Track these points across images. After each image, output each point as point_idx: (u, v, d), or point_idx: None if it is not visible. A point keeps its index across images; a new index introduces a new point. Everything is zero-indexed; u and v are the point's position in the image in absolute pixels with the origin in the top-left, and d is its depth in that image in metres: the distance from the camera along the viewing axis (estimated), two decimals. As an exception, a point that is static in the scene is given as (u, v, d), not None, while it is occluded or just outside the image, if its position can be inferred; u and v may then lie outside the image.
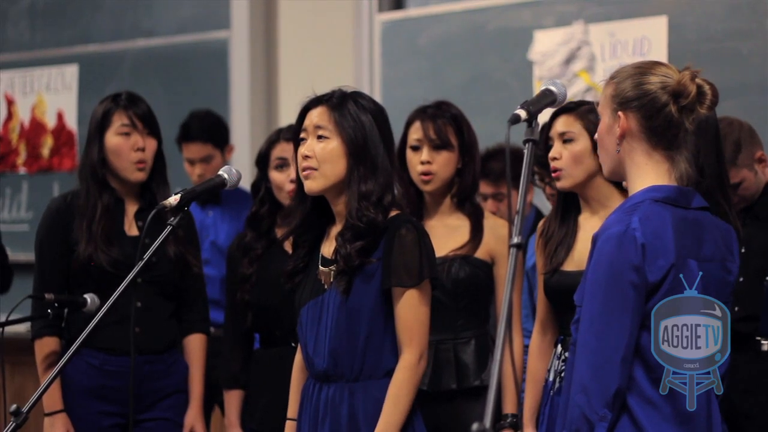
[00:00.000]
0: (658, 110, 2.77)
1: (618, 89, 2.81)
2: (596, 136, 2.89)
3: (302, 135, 3.22)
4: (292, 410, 3.36)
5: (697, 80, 2.78)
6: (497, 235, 3.93)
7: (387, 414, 3.11)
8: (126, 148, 3.99)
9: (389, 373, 3.17)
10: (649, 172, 2.79)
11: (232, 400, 4.06)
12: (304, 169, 3.18)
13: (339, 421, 3.15)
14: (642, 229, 2.68)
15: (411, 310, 3.14)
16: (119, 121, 4.01)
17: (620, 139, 2.80)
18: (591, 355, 2.68)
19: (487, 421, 2.17)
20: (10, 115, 7.21)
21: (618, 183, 3.55)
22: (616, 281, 2.68)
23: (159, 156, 4.07)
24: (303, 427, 3.23)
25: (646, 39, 5.36)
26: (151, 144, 4.03)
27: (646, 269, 2.68)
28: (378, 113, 3.22)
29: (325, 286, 3.20)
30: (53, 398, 3.92)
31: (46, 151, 7.06)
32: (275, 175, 4.03)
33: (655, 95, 2.77)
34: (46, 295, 3.84)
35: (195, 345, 4.14)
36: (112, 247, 3.92)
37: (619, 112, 2.79)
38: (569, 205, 3.70)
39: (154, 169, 4.05)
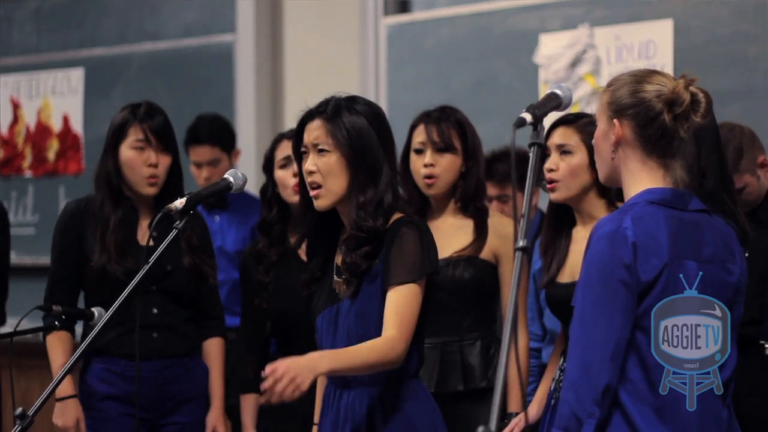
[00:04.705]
0: (653, 119, 2.78)
1: (614, 97, 2.82)
2: (593, 141, 2.90)
3: (303, 149, 3.21)
4: (318, 416, 3.36)
5: (692, 88, 2.79)
6: (500, 234, 3.92)
7: (340, 352, 3.02)
8: (138, 162, 3.99)
9: (407, 375, 3.17)
10: (643, 179, 2.80)
11: (248, 404, 4.06)
12: (311, 185, 3.17)
13: (359, 426, 3.14)
14: (634, 228, 2.70)
15: (403, 299, 3.07)
16: (134, 135, 4.00)
17: (615, 146, 2.82)
18: (581, 353, 2.70)
19: (493, 424, 2.18)
20: (15, 119, 7.21)
21: (609, 199, 3.61)
22: (607, 279, 2.69)
23: (175, 170, 4.06)
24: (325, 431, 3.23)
25: (652, 42, 5.36)
26: (164, 160, 4.02)
27: (638, 268, 2.69)
28: (374, 116, 3.19)
29: (340, 296, 3.20)
30: (64, 384, 3.92)
31: (51, 155, 7.06)
32: (280, 174, 4.02)
33: (650, 104, 2.78)
34: (54, 307, 3.85)
35: (214, 348, 4.16)
36: (126, 258, 3.93)
37: (614, 120, 2.81)
38: (561, 217, 3.72)
39: (168, 183, 4.03)
